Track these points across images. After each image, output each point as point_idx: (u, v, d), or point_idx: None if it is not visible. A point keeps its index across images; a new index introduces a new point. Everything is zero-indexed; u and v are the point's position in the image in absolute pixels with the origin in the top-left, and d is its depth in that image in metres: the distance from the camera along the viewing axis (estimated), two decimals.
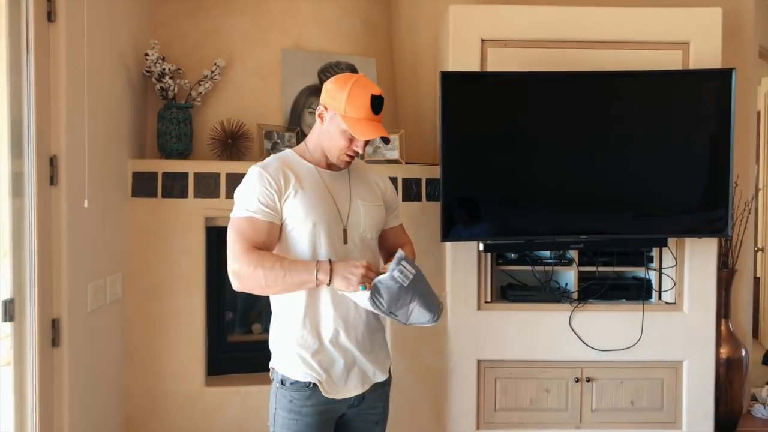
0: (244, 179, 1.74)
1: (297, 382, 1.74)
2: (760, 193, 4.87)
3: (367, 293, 1.63)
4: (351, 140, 1.73)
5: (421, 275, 1.69)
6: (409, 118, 3.43)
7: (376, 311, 1.69)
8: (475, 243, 2.89)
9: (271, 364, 1.82)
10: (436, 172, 2.88)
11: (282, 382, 1.76)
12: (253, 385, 2.85)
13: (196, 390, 2.82)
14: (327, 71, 3.05)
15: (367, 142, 1.76)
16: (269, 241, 1.71)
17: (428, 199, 2.98)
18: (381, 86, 3.23)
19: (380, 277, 1.64)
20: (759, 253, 4.79)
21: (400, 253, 1.66)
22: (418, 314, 1.70)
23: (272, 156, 1.82)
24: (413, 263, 1.68)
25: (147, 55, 2.77)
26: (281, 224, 1.73)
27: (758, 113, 4.58)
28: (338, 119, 1.71)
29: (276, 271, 1.63)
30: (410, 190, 2.96)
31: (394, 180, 2.85)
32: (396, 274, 1.64)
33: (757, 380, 3.94)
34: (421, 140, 3.34)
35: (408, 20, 3.49)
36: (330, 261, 1.66)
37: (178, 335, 2.81)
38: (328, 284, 1.65)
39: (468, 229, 2.84)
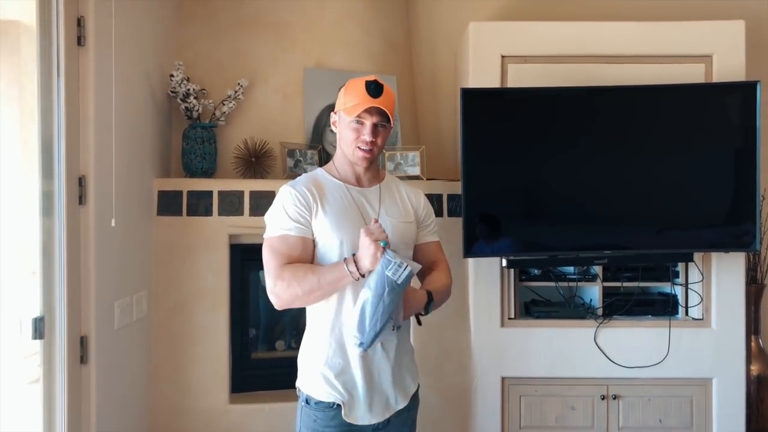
0: (275, 199, 1.77)
1: (321, 402, 1.74)
2: None
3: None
4: (358, 131, 1.74)
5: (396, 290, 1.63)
6: (430, 135, 3.45)
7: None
8: (497, 259, 2.88)
9: (297, 383, 1.82)
10: (457, 188, 2.88)
11: (307, 402, 1.77)
12: (277, 402, 2.86)
13: (220, 407, 2.83)
14: None
15: (377, 132, 1.75)
16: (304, 255, 1.72)
17: (450, 215, 2.98)
18: (402, 103, 3.27)
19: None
20: None
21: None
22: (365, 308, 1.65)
23: (302, 175, 1.85)
24: (400, 261, 1.61)
25: (172, 76, 2.83)
26: (313, 239, 1.75)
27: None
28: (342, 114, 1.76)
29: (309, 277, 1.65)
30: (432, 206, 2.95)
31: None
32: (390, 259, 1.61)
33: None
34: (442, 156, 3.35)
35: (428, 38, 3.51)
36: (353, 254, 1.66)
37: (203, 352, 2.83)
38: (361, 273, 1.63)
39: (490, 245, 2.83)
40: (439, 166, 3.28)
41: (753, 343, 3.25)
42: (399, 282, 1.59)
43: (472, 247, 2.78)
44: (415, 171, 3.05)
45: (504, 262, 2.86)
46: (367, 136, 1.73)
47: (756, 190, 2.78)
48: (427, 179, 3.06)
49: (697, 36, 2.93)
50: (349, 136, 1.75)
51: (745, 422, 2.95)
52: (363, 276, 1.63)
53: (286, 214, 1.73)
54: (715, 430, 2.94)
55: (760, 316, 3.32)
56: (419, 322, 1.83)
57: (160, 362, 2.80)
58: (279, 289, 1.68)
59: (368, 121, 1.73)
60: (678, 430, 2.95)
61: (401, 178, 2.99)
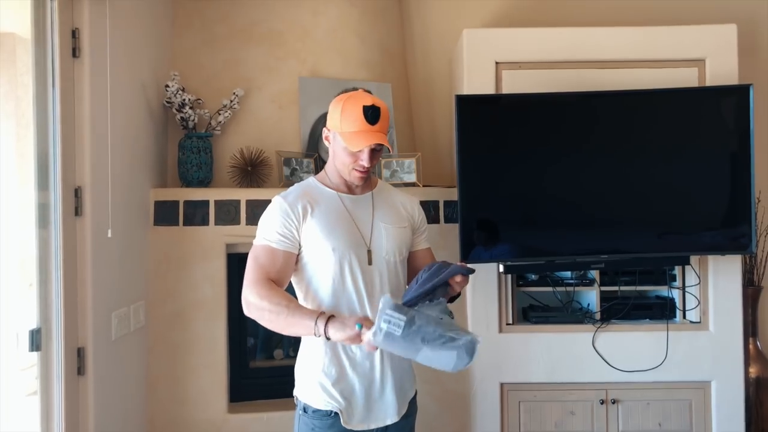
0: (267, 208, 1.78)
1: (319, 410, 1.74)
2: None
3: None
4: (355, 156, 1.73)
5: (419, 318, 1.51)
6: (426, 142, 3.46)
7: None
8: (495, 265, 2.88)
9: (295, 392, 1.82)
10: (453, 194, 2.89)
11: (305, 410, 1.77)
12: (276, 411, 2.84)
13: (219, 417, 2.82)
14: None
15: (374, 155, 1.74)
16: (284, 270, 1.73)
17: (446, 221, 2.98)
18: (397, 111, 3.27)
19: (369, 332, 1.50)
20: None
21: (384, 299, 1.51)
22: (437, 361, 1.52)
23: (295, 185, 1.85)
24: (402, 308, 1.51)
25: (167, 86, 2.84)
26: (300, 253, 1.75)
27: None
28: (338, 137, 1.74)
29: (280, 311, 1.64)
30: (428, 212, 2.96)
31: None
32: (383, 326, 1.48)
33: None
34: (438, 163, 3.36)
35: (422, 45, 3.53)
36: (332, 315, 1.62)
37: (201, 362, 2.82)
38: (326, 336, 1.58)
39: (487, 250, 2.84)
40: (435, 173, 3.29)
41: (751, 346, 3.25)
42: (401, 326, 1.48)
43: (469, 253, 2.78)
44: (411, 178, 3.05)
45: (501, 268, 2.86)
46: (365, 162, 1.73)
47: (751, 192, 2.79)
48: (424, 186, 3.07)
49: (690, 40, 2.95)
50: (345, 159, 1.75)
51: (745, 425, 2.95)
52: (328, 339, 1.60)
53: (274, 226, 1.73)
54: None
55: (757, 318, 3.33)
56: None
57: (158, 372, 2.79)
58: (252, 300, 1.68)
59: (367, 148, 1.72)
60: None
61: (397, 185, 3.01)
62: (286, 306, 1.65)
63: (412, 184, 3.04)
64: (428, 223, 2.93)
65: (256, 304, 1.67)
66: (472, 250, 2.79)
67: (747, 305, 3.16)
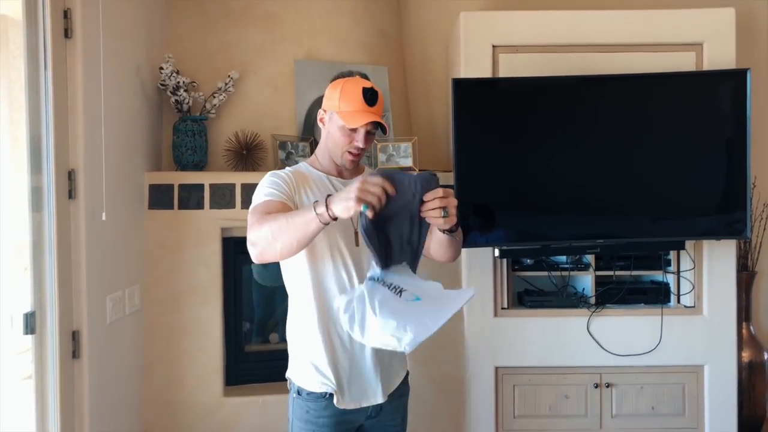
0: (260, 184, 1.77)
1: (313, 392, 1.75)
2: None
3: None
4: (351, 136, 1.75)
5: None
6: (422, 126, 3.44)
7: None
8: (490, 249, 2.89)
9: (288, 374, 1.83)
10: (449, 178, 2.88)
11: (299, 392, 1.77)
12: (271, 395, 2.86)
13: (214, 400, 2.83)
14: None
15: (368, 138, 1.76)
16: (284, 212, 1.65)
17: None
18: (393, 95, 3.26)
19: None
20: None
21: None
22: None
23: (285, 168, 1.85)
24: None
25: (162, 68, 2.81)
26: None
27: None
28: (335, 117, 1.75)
29: (279, 220, 1.56)
30: None
31: None
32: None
33: None
34: (434, 147, 3.34)
35: (419, 28, 3.50)
36: (328, 196, 1.54)
37: (196, 346, 2.82)
38: (332, 217, 1.51)
39: (483, 235, 2.84)
40: (431, 157, 3.27)
41: (744, 330, 3.27)
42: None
43: (465, 238, 2.77)
44: (408, 162, 3.04)
45: (497, 252, 2.86)
46: (360, 143, 1.75)
47: (747, 177, 2.79)
48: (420, 170, 3.06)
49: (688, 24, 2.93)
50: (340, 139, 1.76)
51: (737, 409, 2.97)
52: (335, 219, 1.52)
53: (269, 187, 1.72)
54: (707, 417, 2.96)
55: (751, 303, 3.35)
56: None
57: (153, 356, 2.80)
58: (254, 237, 1.59)
59: (363, 129, 1.74)
60: (670, 417, 2.98)
61: (393, 169, 3.00)
62: (283, 216, 1.57)
63: (409, 169, 3.03)
64: None
65: (258, 235, 1.58)
66: (468, 234, 2.79)
67: (741, 290, 3.17)
